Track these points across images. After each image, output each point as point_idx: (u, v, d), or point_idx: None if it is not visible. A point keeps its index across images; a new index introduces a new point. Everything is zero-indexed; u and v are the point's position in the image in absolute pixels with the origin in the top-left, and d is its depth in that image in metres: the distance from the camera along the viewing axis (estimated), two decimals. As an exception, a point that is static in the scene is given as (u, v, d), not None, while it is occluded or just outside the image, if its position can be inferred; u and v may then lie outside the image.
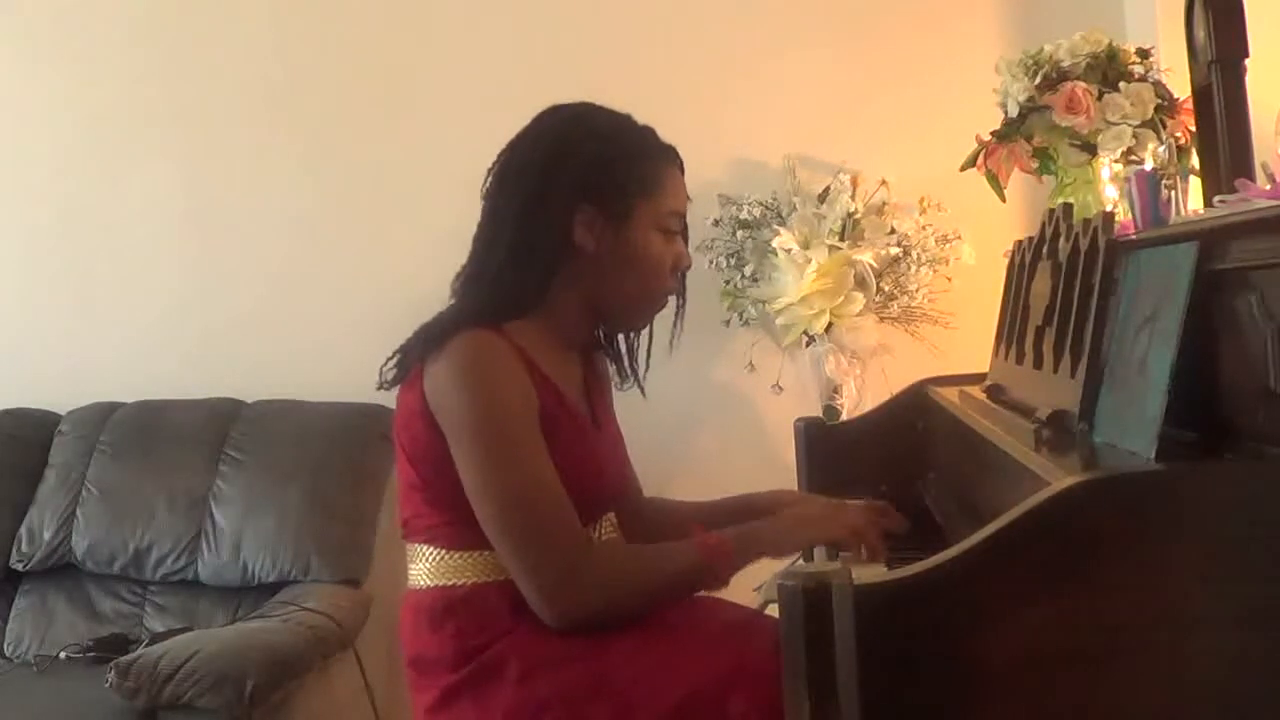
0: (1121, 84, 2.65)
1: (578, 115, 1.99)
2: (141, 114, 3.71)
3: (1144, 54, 2.74)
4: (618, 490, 2.06)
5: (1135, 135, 2.59)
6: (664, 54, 3.49)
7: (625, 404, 2.15)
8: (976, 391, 2.27)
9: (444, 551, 1.88)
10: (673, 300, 2.06)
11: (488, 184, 1.98)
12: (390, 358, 1.94)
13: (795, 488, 2.68)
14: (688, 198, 2.03)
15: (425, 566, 1.90)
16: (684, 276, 2.05)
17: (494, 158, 2.00)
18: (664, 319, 2.08)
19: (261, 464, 3.32)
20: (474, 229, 1.99)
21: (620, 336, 2.10)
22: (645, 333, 2.09)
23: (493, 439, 1.81)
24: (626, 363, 2.10)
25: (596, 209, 1.92)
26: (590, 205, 1.91)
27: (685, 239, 2.04)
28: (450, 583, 1.87)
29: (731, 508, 2.20)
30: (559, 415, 1.88)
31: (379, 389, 1.97)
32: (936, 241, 3.17)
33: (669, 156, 2.00)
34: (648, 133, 2.00)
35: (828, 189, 3.22)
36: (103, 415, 3.51)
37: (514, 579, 1.81)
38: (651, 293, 1.99)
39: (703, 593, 1.93)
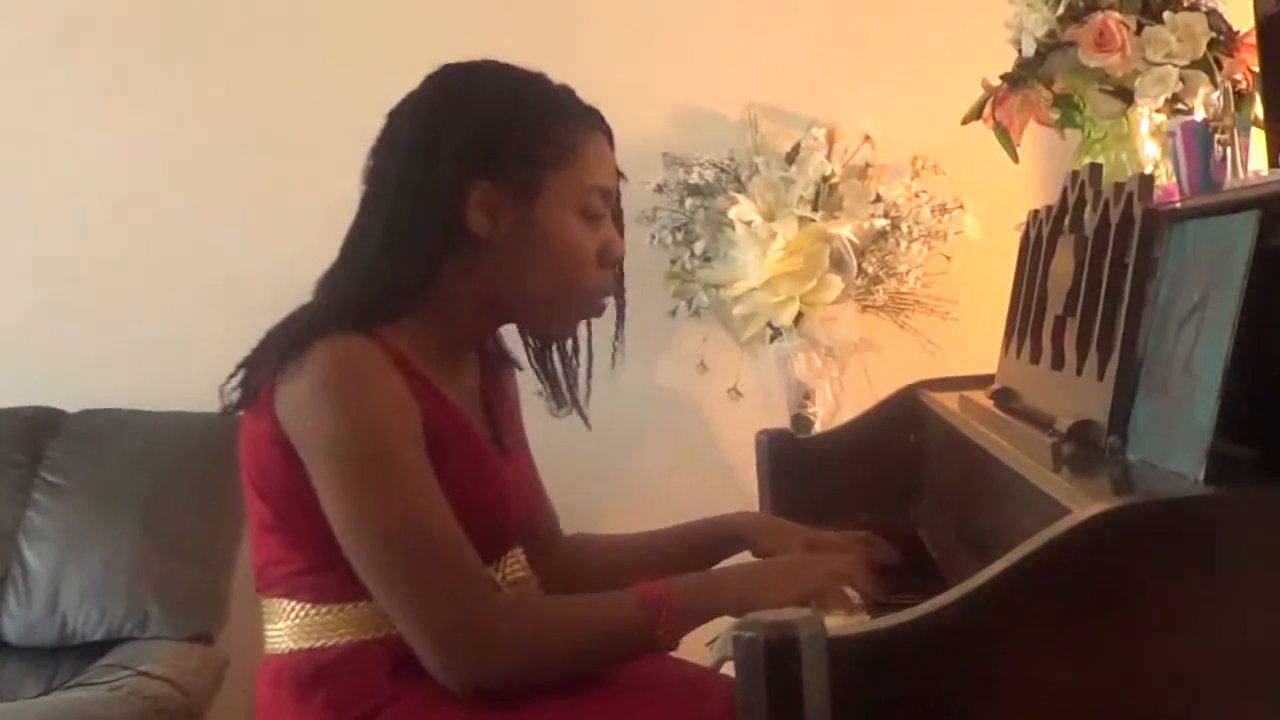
0: (1166, 14, 2.66)
1: (472, 73, 1.98)
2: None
3: (1195, -25, 2.76)
4: (525, 523, 2.05)
5: (1182, 78, 2.60)
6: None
7: (546, 413, 2.13)
8: (982, 397, 2.27)
9: (308, 606, 1.86)
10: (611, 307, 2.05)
11: (368, 165, 1.98)
12: (233, 374, 1.91)
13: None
14: (620, 174, 2.01)
15: (286, 626, 1.88)
16: (620, 272, 2.03)
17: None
18: (601, 324, 2.06)
19: (87, 490, 3.29)
20: None
21: (554, 352, 2.09)
22: (585, 347, 2.09)
23: (365, 464, 1.79)
24: (564, 385, 2.09)
25: (495, 184, 1.89)
26: (487, 179, 1.89)
27: (619, 225, 2.02)
28: (319, 644, 1.85)
29: (682, 540, 2.21)
30: (447, 431, 1.87)
31: (223, 413, 1.94)
32: (932, 212, 3.20)
33: (590, 120, 1.98)
34: (563, 92, 1.99)
35: (797, 147, 3.24)
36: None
37: (404, 635, 1.80)
38: (570, 288, 1.96)
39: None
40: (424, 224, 1.89)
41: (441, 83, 1.97)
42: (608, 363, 2.08)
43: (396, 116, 1.97)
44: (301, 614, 1.87)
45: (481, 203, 1.89)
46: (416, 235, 1.88)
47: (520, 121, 1.92)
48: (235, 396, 1.91)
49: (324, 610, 1.85)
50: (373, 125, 1.98)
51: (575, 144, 1.94)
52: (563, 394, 2.10)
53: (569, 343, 2.08)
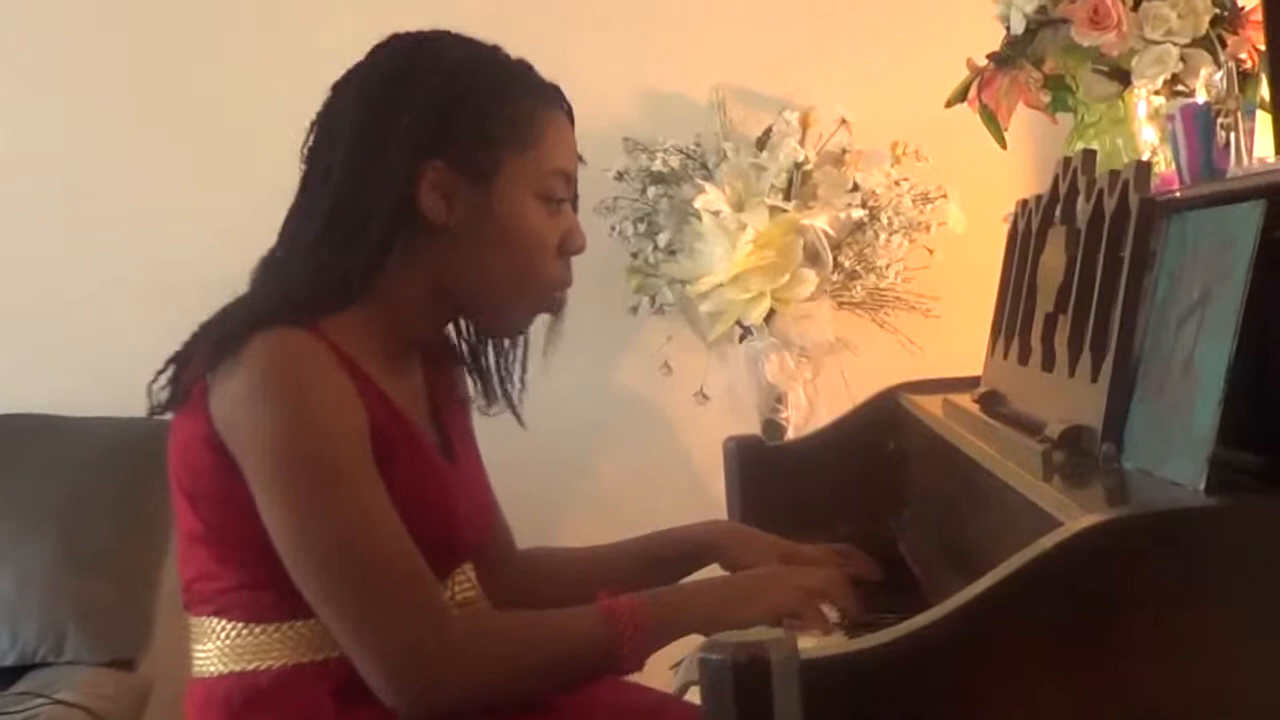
0: (1166, -13, 2.67)
1: (425, 44, 1.98)
2: None
3: (1198, -53, 2.77)
4: (476, 537, 2.04)
5: (1183, 57, 2.61)
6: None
7: (497, 419, 2.13)
8: (966, 401, 2.28)
9: (240, 626, 1.85)
10: None
11: (307, 141, 1.97)
12: (162, 370, 1.90)
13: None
14: (579, 158, 2.02)
15: (216, 647, 1.87)
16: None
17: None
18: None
19: (-3, 502, 3.27)
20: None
21: (490, 346, 2.09)
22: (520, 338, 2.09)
23: (310, 469, 1.78)
24: (496, 380, 2.09)
25: (450, 165, 1.89)
26: (441, 160, 1.89)
27: (575, 212, 2.03)
28: (250, 667, 1.84)
29: (646, 552, 2.21)
30: (395, 438, 1.86)
31: (151, 413, 1.93)
32: (914, 202, 3.20)
33: (551, 98, 1.98)
34: (522, 68, 1.99)
35: (769, 131, 3.24)
36: None
37: (348, 654, 1.79)
38: (530, 281, 1.97)
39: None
40: (372, 207, 1.88)
41: (390, 54, 1.97)
42: (555, 362, 2.07)
43: (341, 90, 1.96)
44: (233, 633, 1.86)
45: (435, 184, 1.89)
46: (364, 220, 1.87)
47: (476, 97, 1.91)
48: (164, 396, 1.90)
49: (257, 630, 1.85)
50: (314, 106, 1.97)
51: (535, 123, 1.94)
52: (494, 390, 2.10)
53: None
